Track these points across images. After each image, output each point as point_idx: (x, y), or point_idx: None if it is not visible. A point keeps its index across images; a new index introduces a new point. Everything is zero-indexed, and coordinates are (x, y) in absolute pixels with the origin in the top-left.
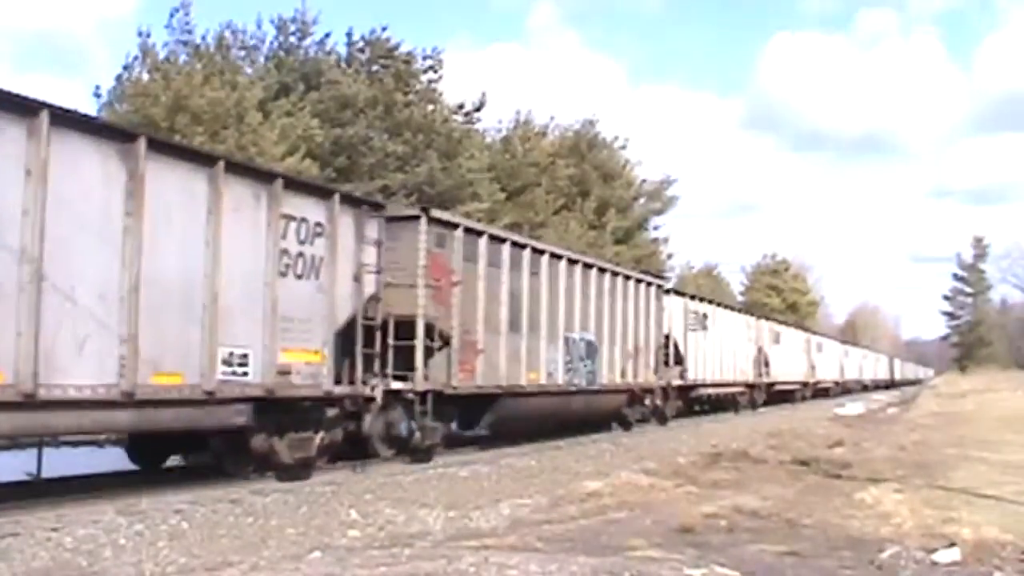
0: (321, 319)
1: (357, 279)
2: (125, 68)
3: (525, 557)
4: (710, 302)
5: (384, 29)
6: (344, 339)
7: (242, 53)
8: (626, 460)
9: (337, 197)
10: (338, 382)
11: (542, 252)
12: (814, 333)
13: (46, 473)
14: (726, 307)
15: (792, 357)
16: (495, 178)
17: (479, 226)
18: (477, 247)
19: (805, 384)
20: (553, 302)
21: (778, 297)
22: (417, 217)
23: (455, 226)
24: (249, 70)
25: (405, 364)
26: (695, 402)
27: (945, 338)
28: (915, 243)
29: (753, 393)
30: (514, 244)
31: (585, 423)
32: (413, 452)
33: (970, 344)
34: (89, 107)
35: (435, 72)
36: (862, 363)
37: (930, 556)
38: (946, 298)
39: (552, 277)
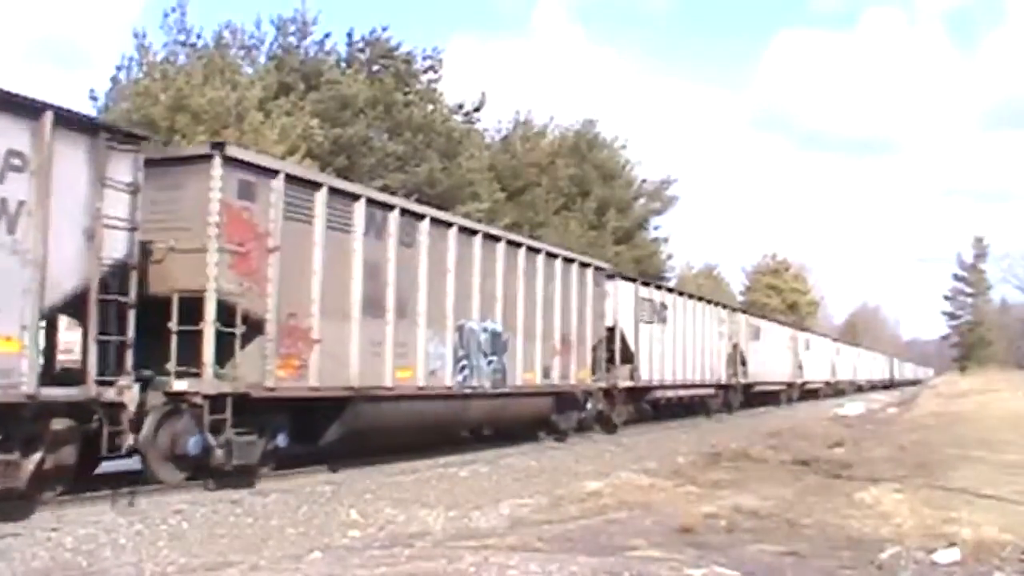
0: (18, 292)
1: (91, 237)
2: (119, 67)
3: (525, 557)
4: (669, 290)
5: (384, 29)
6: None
7: (241, 53)
8: (626, 460)
9: (50, 116)
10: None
11: (420, 216)
12: (801, 329)
13: None
14: (693, 297)
15: (774, 355)
16: (495, 178)
17: (315, 176)
18: (311, 204)
19: (790, 385)
20: (437, 281)
21: (778, 297)
22: (208, 157)
23: (272, 173)
24: (249, 70)
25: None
26: (653, 406)
27: (945, 338)
28: (920, 243)
29: (727, 395)
30: (374, 203)
31: (498, 433)
32: (216, 474)
33: (970, 344)
34: (88, 106)
35: (435, 72)
36: (856, 362)
37: (930, 556)
38: (946, 298)
39: (436, 249)
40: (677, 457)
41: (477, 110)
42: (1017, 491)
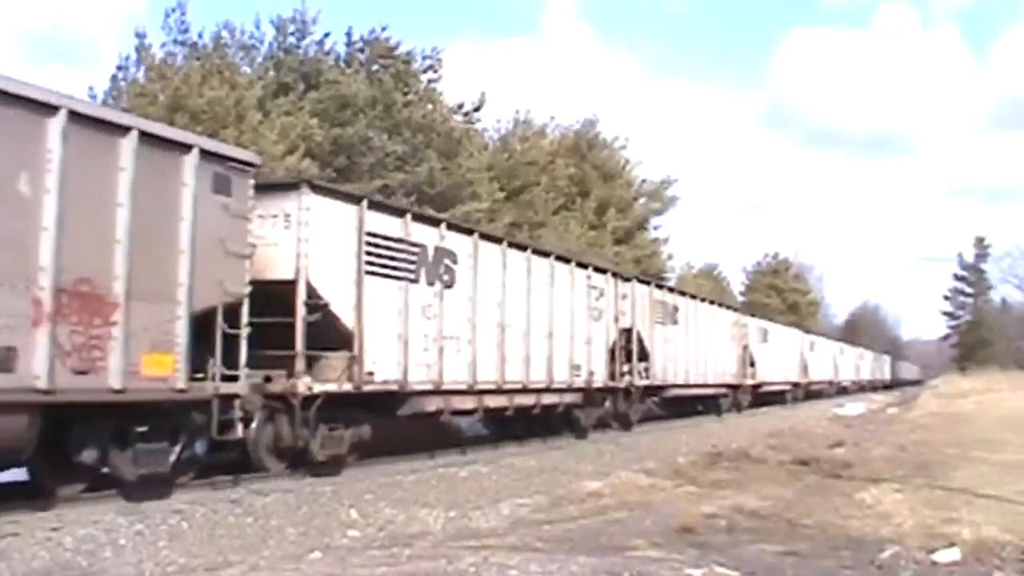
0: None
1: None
2: (120, 66)
3: (525, 557)
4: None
5: (384, 29)
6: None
7: (240, 53)
8: (626, 460)
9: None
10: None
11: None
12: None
13: None
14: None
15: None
16: (494, 177)
17: None
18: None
19: (796, 385)
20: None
21: (778, 297)
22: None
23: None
24: (248, 69)
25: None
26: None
27: (945, 338)
28: (924, 243)
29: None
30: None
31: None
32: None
33: (970, 344)
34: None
35: (435, 72)
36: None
37: (930, 556)
38: (946, 298)
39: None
40: (677, 457)
41: (477, 110)
42: (1017, 491)
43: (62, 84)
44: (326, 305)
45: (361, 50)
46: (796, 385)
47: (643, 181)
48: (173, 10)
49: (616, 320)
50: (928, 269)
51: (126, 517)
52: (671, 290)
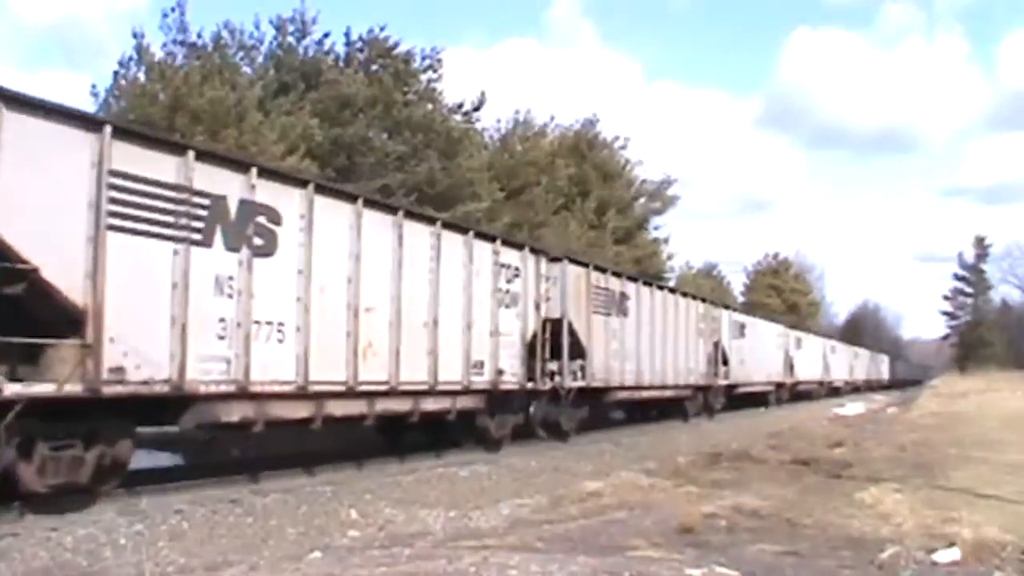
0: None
1: None
2: (121, 64)
3: (525, 557)
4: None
5: (383, 28)
6: None
7: (240, 53)
8: (626, 460)
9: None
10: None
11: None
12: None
13: None
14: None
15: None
16: (494, 177)
17: None
18: None
19: (780, 385)
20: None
21: (779, 297)
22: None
23: None
24: (247, 69)
25: None
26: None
27: (945, 338)
28: (925, 242)
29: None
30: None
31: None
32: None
33: (970, 344)
34: (89, 105)
35: (434, 72)
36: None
37: (930, 556)
38: (946, 298)
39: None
40: (677, 457)
41: (477, 109)
42: (1017, 491)
43: (62, 84)
44: (34, 271)
45: (360, 50)
46: (780, 386)
47: (643, 181)
48: (172, 9)
49: (538, 308)
50: (928, 269)
51: (126, 517)
52: (618, 275)
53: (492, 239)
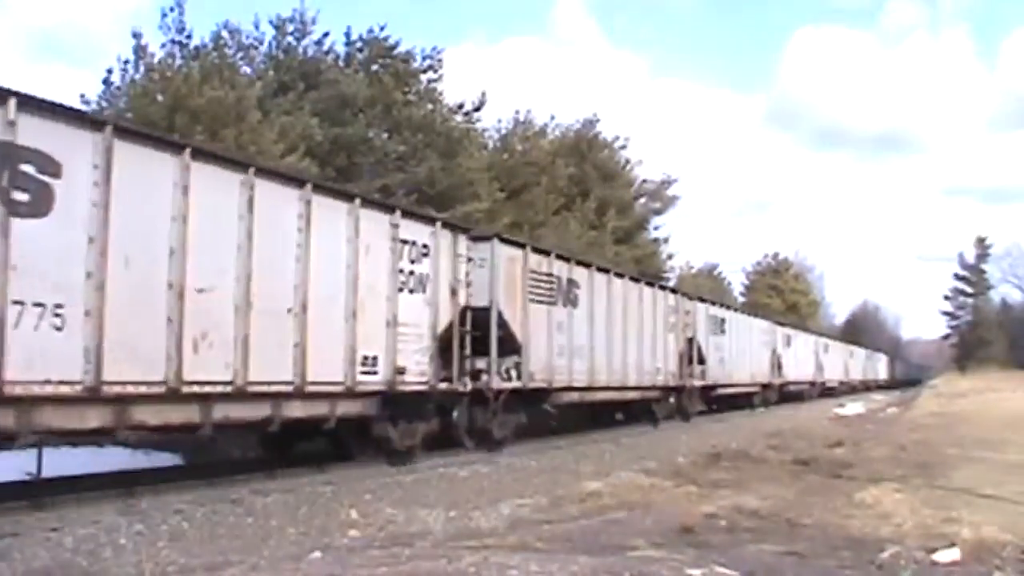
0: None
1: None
2: (124, 61)
3: (525, 557)
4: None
5: (383, 28)
6: None
7: (240, 53)
8: (626, 460)
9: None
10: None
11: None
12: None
13: (46, 473)
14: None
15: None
16: (494, 177)
17: None
18: None
19: (766, 386)
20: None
21: (779, 297)
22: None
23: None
24: (247, 69)
25: None
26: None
27: (945, 338)
28: (926, 242)
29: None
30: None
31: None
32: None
33: (970, 344)
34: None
35: (435, 71)
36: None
37: (930, 556)
38: (946, 298)
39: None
40: (677, 457)
41: (477, 109)
42: (1017, 491)
43: (62, 84)
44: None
45: (360, 50)
46: (766, 386)
47: (643, 181)
48: (171, 9)
49: (455, 294)
50: (928, 269)
51: (126, 517)
52: (564, 258)
53: (390, 209)
